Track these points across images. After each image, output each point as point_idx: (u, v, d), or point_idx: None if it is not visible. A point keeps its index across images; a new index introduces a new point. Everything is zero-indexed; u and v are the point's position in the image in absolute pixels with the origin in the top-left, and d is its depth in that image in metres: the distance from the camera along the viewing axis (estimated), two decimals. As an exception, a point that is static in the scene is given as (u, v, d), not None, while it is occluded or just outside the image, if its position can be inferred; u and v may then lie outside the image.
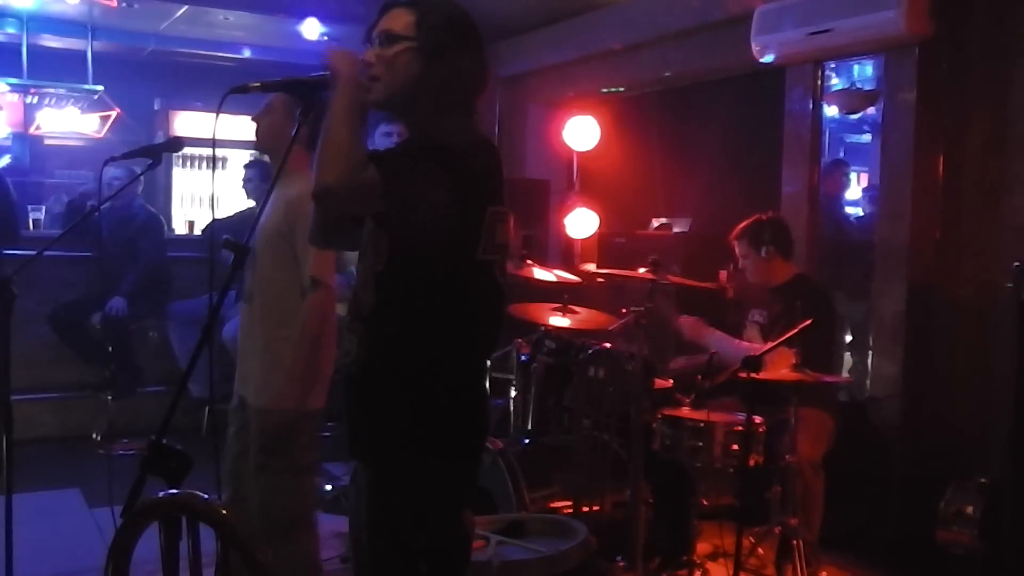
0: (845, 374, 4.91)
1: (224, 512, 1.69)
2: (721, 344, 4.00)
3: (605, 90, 6.38)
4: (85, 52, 7.20)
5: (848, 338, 5.06)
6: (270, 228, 2.90)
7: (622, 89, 6.32)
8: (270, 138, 3.03)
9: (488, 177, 2.00)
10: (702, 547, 3.86)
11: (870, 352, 4.56)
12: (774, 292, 4.05)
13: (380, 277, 2.00)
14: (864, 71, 4.93)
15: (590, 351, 3.93)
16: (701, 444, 3.61)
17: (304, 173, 2.89)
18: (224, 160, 7.99)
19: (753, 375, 3.28)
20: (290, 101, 2.96)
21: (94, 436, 5.89)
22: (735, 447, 3.57)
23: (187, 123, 8.70)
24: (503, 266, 2.06)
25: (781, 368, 3.51)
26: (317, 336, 2.88)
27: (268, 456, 2.90)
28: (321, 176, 1.86)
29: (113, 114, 7.82)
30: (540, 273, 4.30)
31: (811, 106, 4.79)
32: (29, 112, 7.99)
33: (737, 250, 4.16)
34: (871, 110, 5.02)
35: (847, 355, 5.07)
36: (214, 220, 5.96)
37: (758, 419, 3.57)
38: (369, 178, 1.87)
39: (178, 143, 3.27)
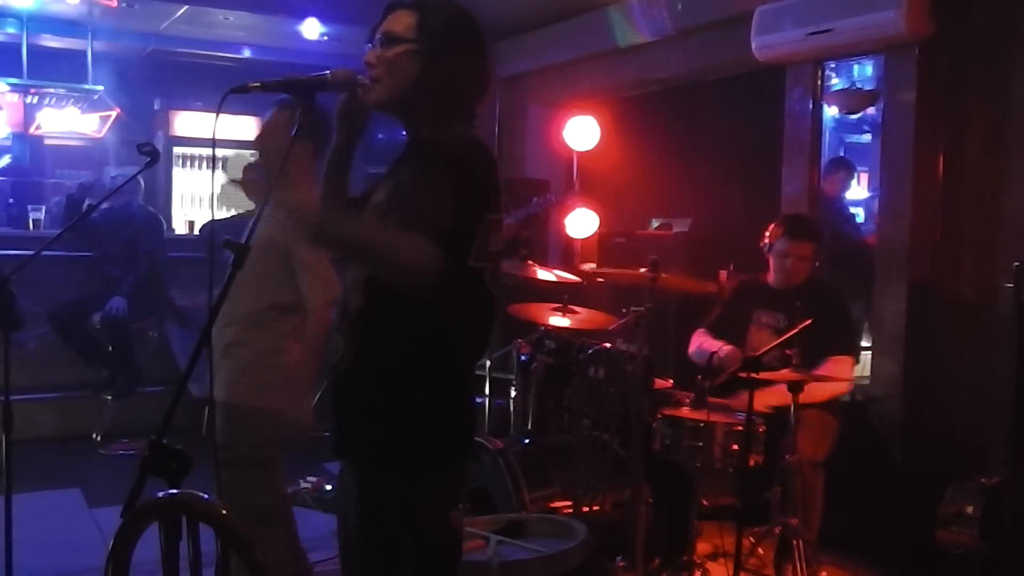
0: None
1: (224, 512, 1.69)
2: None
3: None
4: (85, 52, 7.21)
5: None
6: (264, 234, 2.89)
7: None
8: (280, 158, 3.04)
9: (487, 184, 1.99)
10: (702, 547, 3.86)
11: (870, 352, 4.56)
12: (789, 294, 3.98)
13: (370, 280, 1.99)
14: (864, 71, 4.94)
15: (590, 351, 3.92)
16: (701, 444, 3.61)
17: (303, 178, 2.88)
18: (224, 160, 7.99)
19: (753, 375, 3.28)
20: (290, 118, 2.96)
21: (94, 436, 5.90)
22: (735, 447, 3.58)
23: (187, 123, 8.70)
24: (494, 274, 2.04)
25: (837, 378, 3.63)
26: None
27: (223, 451, 2.92)
28: (407, 279, 1.85)
29: (113, 114, 7.83)
30: (540, 273, 4.30)
31: (811, 106, 4.79)
32: (29, 112, 7.99)
33: (798, 249, 4.01)
34: (871, 110, 5.02)
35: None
36: (213, 220, 5.96)
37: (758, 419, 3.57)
38: (436, 256, 1.83)
39: (154, 152, 3.18)
